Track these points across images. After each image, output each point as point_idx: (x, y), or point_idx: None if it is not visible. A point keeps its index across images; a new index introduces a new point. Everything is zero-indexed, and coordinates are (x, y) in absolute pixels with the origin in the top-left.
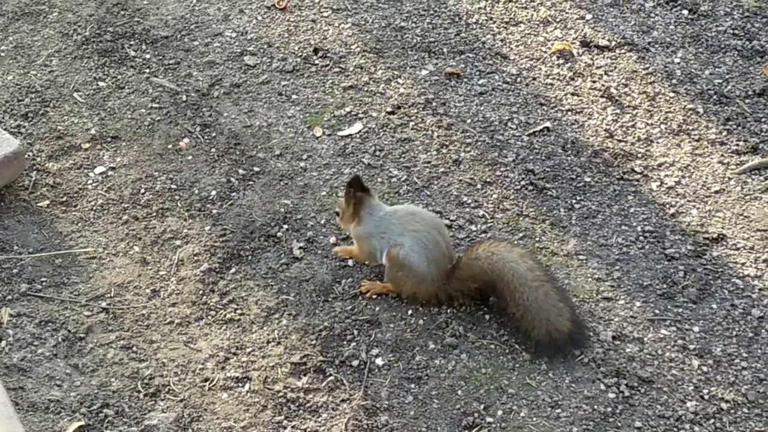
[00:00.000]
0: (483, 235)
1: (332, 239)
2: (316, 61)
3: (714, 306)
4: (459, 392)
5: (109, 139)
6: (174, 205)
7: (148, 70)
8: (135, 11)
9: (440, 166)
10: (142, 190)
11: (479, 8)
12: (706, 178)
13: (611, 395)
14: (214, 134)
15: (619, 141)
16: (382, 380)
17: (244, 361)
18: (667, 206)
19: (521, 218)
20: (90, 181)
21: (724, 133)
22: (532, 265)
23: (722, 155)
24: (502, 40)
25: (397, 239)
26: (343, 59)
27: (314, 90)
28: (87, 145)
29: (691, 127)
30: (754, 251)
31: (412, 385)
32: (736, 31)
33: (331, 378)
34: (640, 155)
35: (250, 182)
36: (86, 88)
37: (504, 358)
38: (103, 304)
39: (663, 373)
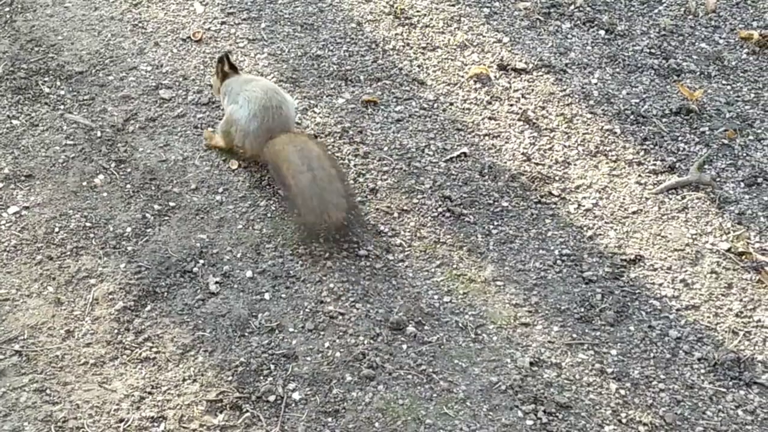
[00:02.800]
0: (400, 264)
1: (248, 273)
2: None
3: (632, 328)
4: (376, 425)
5: (22, 178)
6: (89, 243)
7: (62, 107)
8: (49, 47)
9: (357, 196)
10: (57, 229)
11: (396, 34)
12: (624, 199)
13: (529, 422)
14: (129, 170)
15: (537, 164)
16: (299, 415)
17: (160, 400)
18: (585, 229)
19: (438, 245)
20: (3, 222)
21: (642, 153)
22: (310, 154)
23: (640, 175)
24: (419, 66)
25: (233, 98)
26: None
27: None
28: (0, 185)
29: (608, 148)
30: (671, 271)
31: (330, 419)
32: (653, 50)
33: (248, 414)
34: (557, 178)
35: (166, 217)
36: (0, 126)
37: (421, 388)
38: (16, 347)
39: (581, 398)
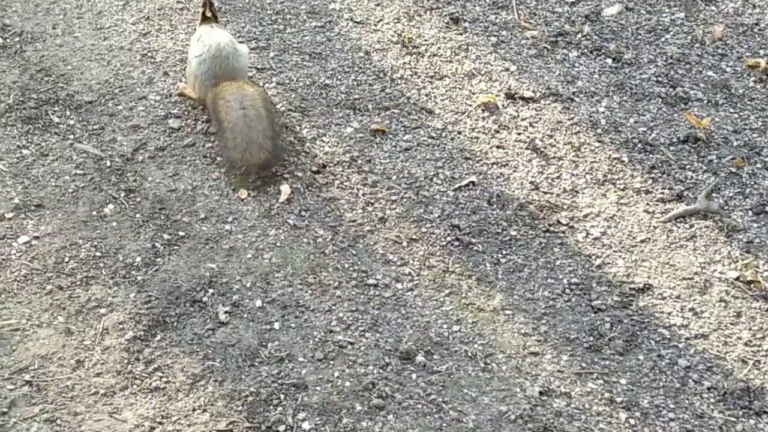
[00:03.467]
0: (409, 293)
1: (258, 302)
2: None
3: (641, 357)
4: None
5: (32, 207)
6: (98, 272)
7: (72, 137)
8: (59, 77)
9: (366, 225)
10: (67, 259)
11: (404, 63)
12: (632, 228)
13: None
14: (138, 199)
15: (545, 193)
16: None
17: (170, 430)
18: (593, 257)
19: (447, 274)
20: (13, 252)
21: (650, 182)
22: (245, 95)
23: (648, 204)
24: (427, 95)
25: (195, 44)
26: None
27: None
28: (10, 215)
29: (616, 177)
30: (680, 300)
31: None
32: (660, 79)
33: None
34: (565, 206)
35: (176, 247)
36: (10, 156)
37: (431, 417)
38: (27, 377)
39: (591, 427)
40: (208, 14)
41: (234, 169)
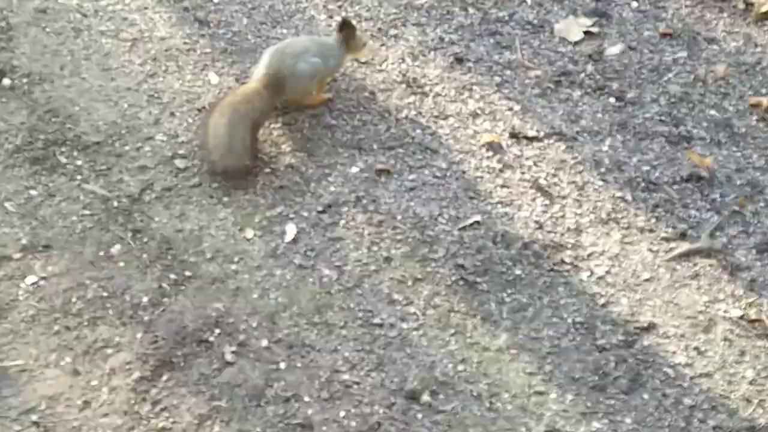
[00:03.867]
0: (415, 333)
1: (264, 342)
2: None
3: (645, 396)
4: None
5: (40, 248)
6: (105, 313)
7: (79, 177)
8: (67, 117)
9: (371, 264)
10: (74, 299)
11: (408, 103)
12: (636, 267)
13: None
14: (145, 239)
15: (549, 232)
16: None
17: None
18: (598, 296)
19: (452, 314)
20: (21, 292)
21: (653, 221)
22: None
23: (651, 243)
24: (431, 134)
25: None
26: (273, 159)
27: (245, 191)
28: (18, 255)
29: (620, 216)
30: (684, 339)
31: None
32: (663, 118)
33: None
34: (569, 245)
35: (182, 287)
36: (17, 197)
37: None
38: (34, 418)
39: None
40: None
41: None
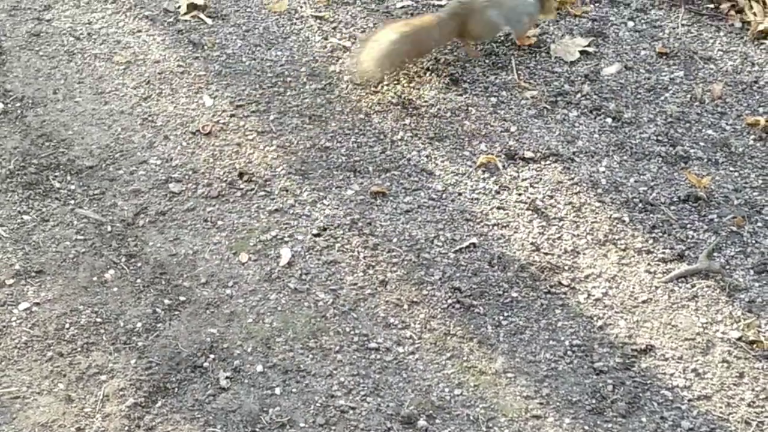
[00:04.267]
0: (411, 357)
1: (259, 367)
2: (242, 186)
3: (644, 419)
4: None
5: (33, 273)
6: (99, 339)
7: (72, 202)
8: (60, 142)
9: (367, 288)
10: (67, 325)
11: (404, 125)
12: (633, 288)
13: None
14: (139, 264)
15: (546, 254)
16: None
17: None
18: (595, 318)
19: (449, 337)
20: (14, 318)
21: (650, 242)
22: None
23: (649, 264)
24: (427, 156)
25: None
26: (268, 182)
27: (240, 215)
28: (11, 281)
29: (617, 237)
30: (682, 361)
31: None
32: (660, 138)
33: None
34: (566, 267)
35: (176, 312)
36: (10, 222)
37: None
38: None
39: None
40: None
41: None
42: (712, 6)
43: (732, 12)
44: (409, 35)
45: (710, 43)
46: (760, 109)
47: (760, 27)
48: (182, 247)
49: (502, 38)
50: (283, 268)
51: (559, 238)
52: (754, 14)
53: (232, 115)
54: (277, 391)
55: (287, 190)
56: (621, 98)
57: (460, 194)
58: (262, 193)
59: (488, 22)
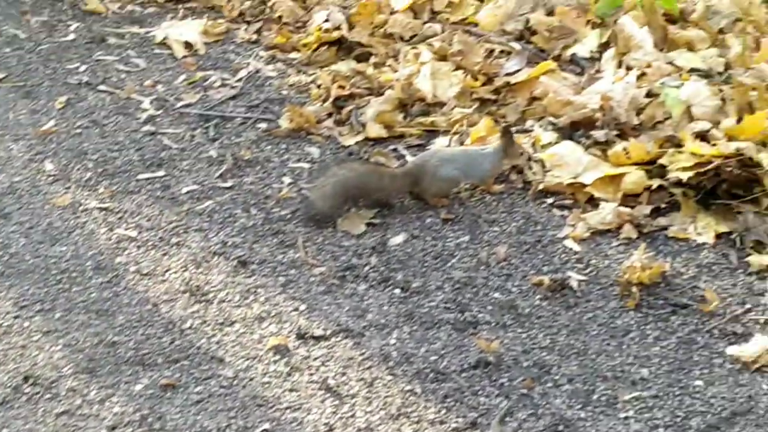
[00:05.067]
0: None
1: None
2: (27, 390)
3: None
4: None
5: None
6: None
7: None
8: None
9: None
10: None
11: (192, 312)
12: None
13: None
14: None
15: None
16: None
17: None
18: None
19: None
20: None
21: (443, 411)
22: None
23: None
24: (217, 343)
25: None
26: (54, 384)
27: (25, 421)
28: None
29: (410, 410)
30: None
31: None
32: (448, 305)
33: None
34: None
35: None
36: None
37: None
38: None
39: None
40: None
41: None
42: None
43: (513, 173)
44: (357, 175)
45: (494, 205)
46: (545, 268)
47: (540, 186)
48: None
49: (289, 216)
50: None
51: (352, 416)
52: (534, 174)
53: (16, 317)
54: None
55: (74, 390)
56: (408, 267)
57: (251, 379)
58: (48, 395)
59: (444, 179)
